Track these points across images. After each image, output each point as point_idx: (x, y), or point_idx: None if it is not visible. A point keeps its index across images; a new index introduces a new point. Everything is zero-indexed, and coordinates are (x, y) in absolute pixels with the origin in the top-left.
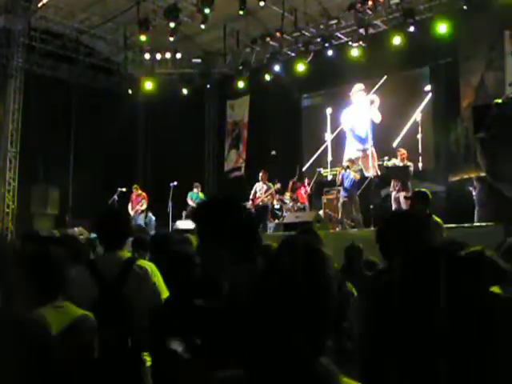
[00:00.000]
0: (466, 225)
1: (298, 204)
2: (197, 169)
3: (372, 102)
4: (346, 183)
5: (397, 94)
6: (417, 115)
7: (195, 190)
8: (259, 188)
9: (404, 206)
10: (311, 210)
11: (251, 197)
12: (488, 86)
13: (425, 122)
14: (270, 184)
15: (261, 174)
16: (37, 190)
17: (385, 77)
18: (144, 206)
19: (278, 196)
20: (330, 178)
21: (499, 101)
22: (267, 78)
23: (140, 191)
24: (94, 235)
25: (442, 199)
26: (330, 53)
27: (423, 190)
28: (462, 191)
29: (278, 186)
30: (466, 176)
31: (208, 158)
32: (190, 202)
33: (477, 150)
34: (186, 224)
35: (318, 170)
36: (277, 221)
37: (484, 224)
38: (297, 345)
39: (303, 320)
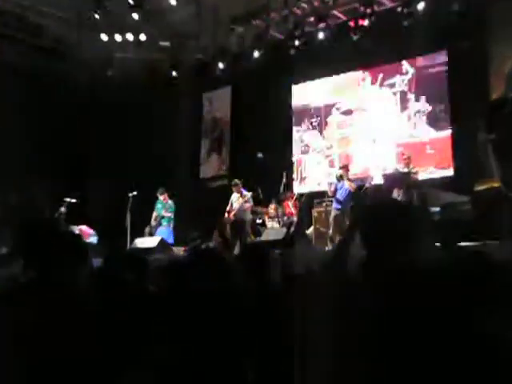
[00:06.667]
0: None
1: (285, 218)
2: (164, 175)
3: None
4: (339, 194)
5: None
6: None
7: (161, 198)
8: (235, 199)
9: None
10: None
11: (227, 209)
12: None
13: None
14: (246, 193)
15: (233, 183)
16: None
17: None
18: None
19: (259, 208)
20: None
21: None
22: (251, 65)
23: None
24: None
25: (466, 211)
26: (325, 35)
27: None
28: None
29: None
30: (496, 184)
31: (179, 163)
32: (154, 214)
33: (488, 154)
34: (146, 242)
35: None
36: (258, 238)
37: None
38: None
39: None
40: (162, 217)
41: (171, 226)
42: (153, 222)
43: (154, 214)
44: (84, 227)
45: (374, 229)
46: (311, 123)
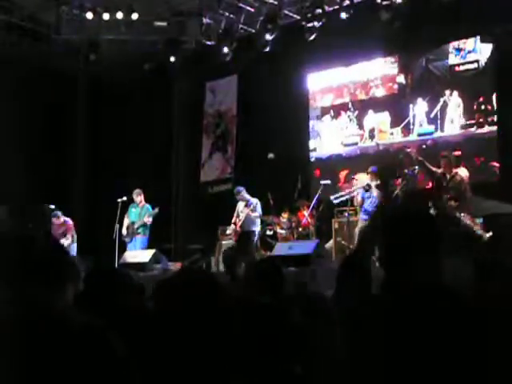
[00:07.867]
0: None
1: (300, 229)
2: (160, 179)
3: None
4: (368, 204)
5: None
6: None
7: (137, 201)
8: (241, 208)
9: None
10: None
11: (233, 220)
12: None
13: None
14: (252, 201)
15: (235, 192)
16: None
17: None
18: (69, 241)
19: (270, 218)
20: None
21: None
22: (261, 50)
23: (62, 218)
24: None
25: None
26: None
27: None
28: None
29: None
30: None
31: (176, 164)
32: (125, 221)
33: None
34: (138, 256)
35: (321, 182)
36: (268, 253)
37: None
38: None
39: None
40: (143, 224)
41: (147, 234)
42: (124, 231)
43: (127, 221)
44: (69, 220)
45: (394, 244)
46: (348, 116)
